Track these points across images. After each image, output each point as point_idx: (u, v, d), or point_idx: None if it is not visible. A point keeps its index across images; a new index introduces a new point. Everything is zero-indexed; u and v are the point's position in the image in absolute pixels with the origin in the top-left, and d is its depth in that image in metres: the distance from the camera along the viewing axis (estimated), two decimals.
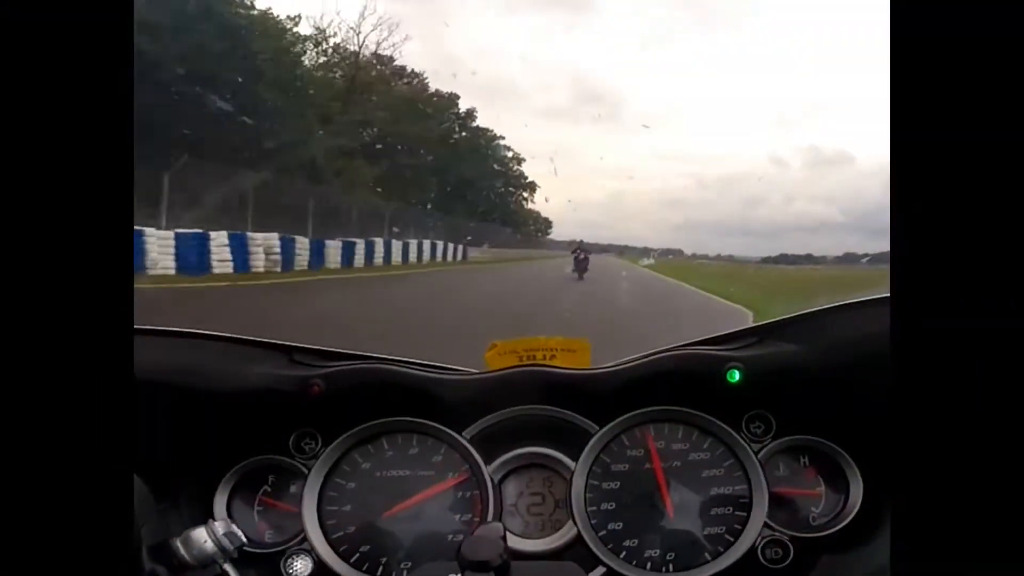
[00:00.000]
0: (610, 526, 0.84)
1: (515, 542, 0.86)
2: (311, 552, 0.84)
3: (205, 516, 0.84)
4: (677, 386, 0.88)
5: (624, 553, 0.82)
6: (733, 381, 0.86)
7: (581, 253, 17.78)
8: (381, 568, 0.83)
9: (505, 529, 0.58)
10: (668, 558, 0.82)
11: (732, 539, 0.83)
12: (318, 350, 0.92)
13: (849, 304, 0.85)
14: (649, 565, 0.82)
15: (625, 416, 0.87)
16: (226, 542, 0.71)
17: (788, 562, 0.83)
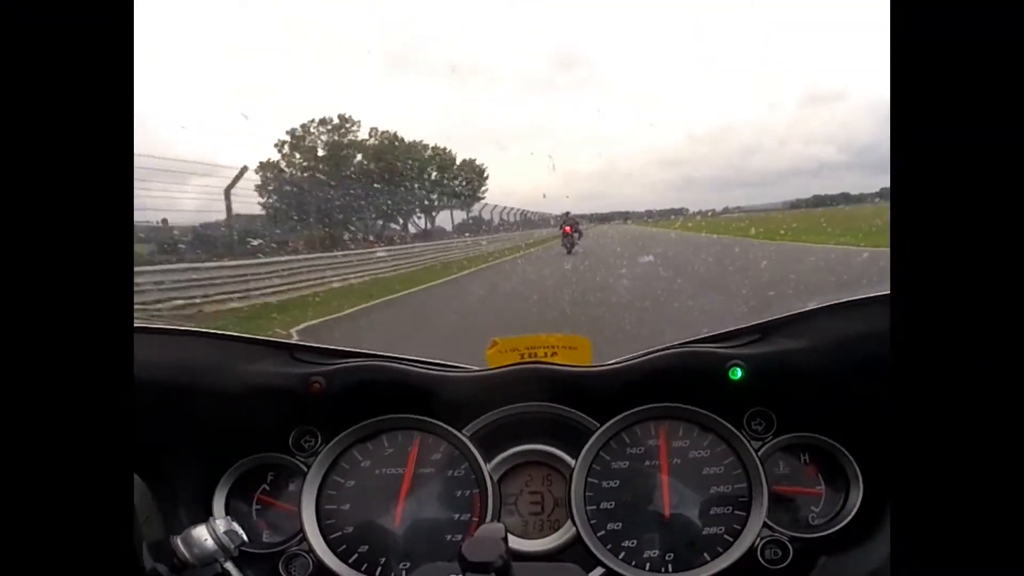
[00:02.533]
0: (609, 526, 0.83)
1: (514, 542, 0.86)
2: (309, 552, 0.84)
3: (204, 515, 0.84)
4: (679, 383, 0.88)
5: (623, 554, 0.82)
6: (735, 379, 0.86)
7: (567, 227, 15.64)
8: (380, 568, 0.83)
9: (506, 530, 0.58)
10: (667, 559, 0.82)
11: (731, 539, 0.82)
12: (319, 348, 0.92)
13: (850, 302, 0.85)
14: (648, 566, 0.82)
15: (626, 413, 0.87)
16: (227, 540, 0.71)
17: (787, 563, 0.83)
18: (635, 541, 0.83)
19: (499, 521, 0.85)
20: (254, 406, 0.88)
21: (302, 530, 0.84)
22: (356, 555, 0.83)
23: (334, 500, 0.86)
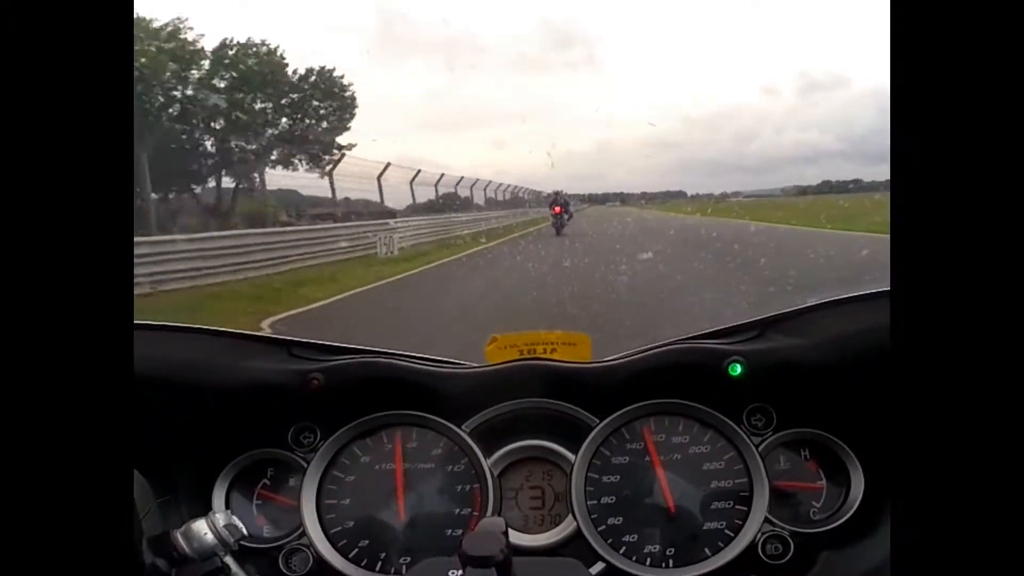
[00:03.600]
0: (610, 521, 0.84)
1: (514, 537, 0.86)
2: (310, 547, 0.84)
3: (204, 510, 0.84)
4: (678, 379, 0.88)
5: (624, 548, 0.82)
6: (734, 374, 0.86)
7: (556, 207, 14.64)
8: (380, 563, 0.83)
9: (507, 524, 0.58)
10: (668, 554, 0.82)
11: (732, 534, 0.83)
12: (317, 344, 0.92)
13: (850, 298, 0.85)
14: (649, 561, 0.82)
15: (625, 409, 0.87)
16: (227, 534, 0.71)
17: (788, 558, 0.83)
18: (636, 536, 0.83)
19: (499, 516, 0.85)
20: (253, 402, 0.88)
21: (302, 525, 0.84)
22: (356, 550, 0.83)
23: (334, 495, 0.86)
